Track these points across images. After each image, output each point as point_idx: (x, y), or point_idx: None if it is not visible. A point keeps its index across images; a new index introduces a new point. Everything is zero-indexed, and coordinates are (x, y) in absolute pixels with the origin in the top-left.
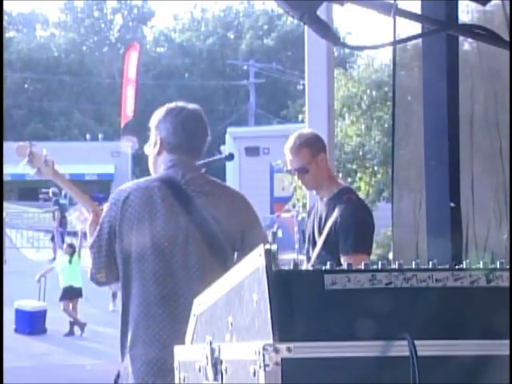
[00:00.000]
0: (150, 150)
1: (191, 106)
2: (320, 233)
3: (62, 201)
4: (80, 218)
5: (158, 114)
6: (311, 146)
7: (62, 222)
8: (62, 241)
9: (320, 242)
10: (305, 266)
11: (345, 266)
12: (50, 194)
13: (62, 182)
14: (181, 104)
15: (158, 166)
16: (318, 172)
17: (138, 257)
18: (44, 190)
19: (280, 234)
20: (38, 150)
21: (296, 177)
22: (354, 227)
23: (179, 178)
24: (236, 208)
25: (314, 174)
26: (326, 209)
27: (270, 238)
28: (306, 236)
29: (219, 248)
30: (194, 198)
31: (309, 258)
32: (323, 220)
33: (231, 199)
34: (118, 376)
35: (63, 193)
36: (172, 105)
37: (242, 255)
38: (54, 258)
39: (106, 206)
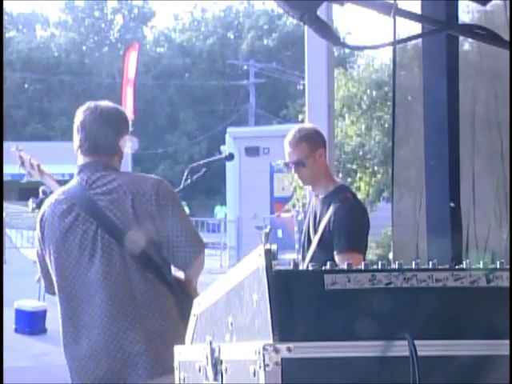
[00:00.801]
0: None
1: (104, 104)
2: (315, 231)
3: (46, 199)
4: None
5: None
6: (310, 140)
7: None
8: None
9: (315, 240)
10: (301, 265)
11: (344, 266)
12: (41, 194)
13: (49, 183)
14: (94, 103)
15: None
16: (315, 167)
17: (55, 271)
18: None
19: (280, 234)
20: (25, 154)
21: (293, 170)
22: (348, 226)
23: (83, 184)
24: (142, 199)
25: (310, 169)
26: (321, 206)
27: (262, 239)
28: (302, 234)
29: (133, 246)
30: (98, 201)
31: (304, 256)
32: (318, 218)
33: (137, 191)
34: None
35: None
36: (85, 105)
37: (163, 242)
38: None
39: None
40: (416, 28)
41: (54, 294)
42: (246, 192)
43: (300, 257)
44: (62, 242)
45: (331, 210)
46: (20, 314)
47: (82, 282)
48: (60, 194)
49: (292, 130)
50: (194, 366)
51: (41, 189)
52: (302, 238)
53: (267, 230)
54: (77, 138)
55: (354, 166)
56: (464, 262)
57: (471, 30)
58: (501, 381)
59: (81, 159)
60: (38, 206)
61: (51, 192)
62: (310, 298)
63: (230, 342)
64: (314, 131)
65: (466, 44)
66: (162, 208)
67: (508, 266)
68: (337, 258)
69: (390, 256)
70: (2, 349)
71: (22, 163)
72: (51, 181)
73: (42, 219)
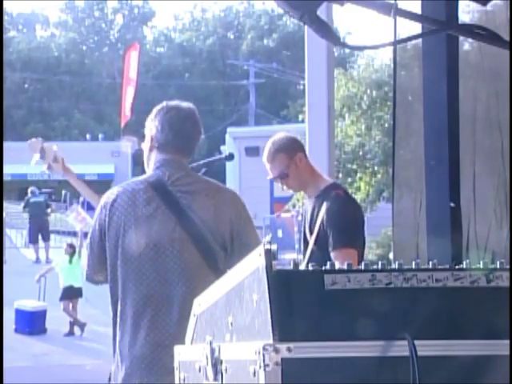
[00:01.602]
0: (144, 146)
1: (184, 104)
2: (311, 231)
3: (32, 199)
4: (78, 218)
5: (153, 111)
6: (286, 149)
7: (31, 221)
8: (30, 240)
9: (311, 240)
10: (301, 266)
11: (344, 266)
12: (29, 194)
13: (72, 179)
14: (173, 103)
15: (150, 163)
16: (299, 173)
17: (124, 259)
18: (44, 190)
19: (280, 234)
20: (49, 146)
21: (280, 184)
22: (341, 222)
23: (166, 179)
24: (224, 207)
25: (295, 177)
26: (314, 206)
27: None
28: (301, 236)
29: (206, 248)
30: (180, 198)
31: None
32: (313, 218)
33: (219, 198)
34: (110, 375)
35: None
36: (164, 103)
37: (232, 254)
38: (37, 258)
39: (97, 208)
40: (416, 28)
41: (95, 282)
42: (246, 192)
43: (301, 257)
44: (136, 230)
45: (324, 208)
46: (20, 313)
47: (152, 274)
48: (138, 184)
49: (266, 145)
50: (193, 366)
51: (29, 189)
52: (301, 239)
53: (267, 240)
54: (158, 134)
55: (354, 166)
56: (464, 262)
57: (471, 30)
58: (501, 381)
59: (155, 155)
60: (26, 205)
61: (40, 192)
62: (310, 297)
63: (230, 342)
64: (286, 139)
65: (466, 44)
66: (240, 218)
67: (508, 266)
68: (332, 255)
69: (390, 256)
70: (2, 349)
71: (43, 156)
72: (74, 176)
73: (112, 205)
